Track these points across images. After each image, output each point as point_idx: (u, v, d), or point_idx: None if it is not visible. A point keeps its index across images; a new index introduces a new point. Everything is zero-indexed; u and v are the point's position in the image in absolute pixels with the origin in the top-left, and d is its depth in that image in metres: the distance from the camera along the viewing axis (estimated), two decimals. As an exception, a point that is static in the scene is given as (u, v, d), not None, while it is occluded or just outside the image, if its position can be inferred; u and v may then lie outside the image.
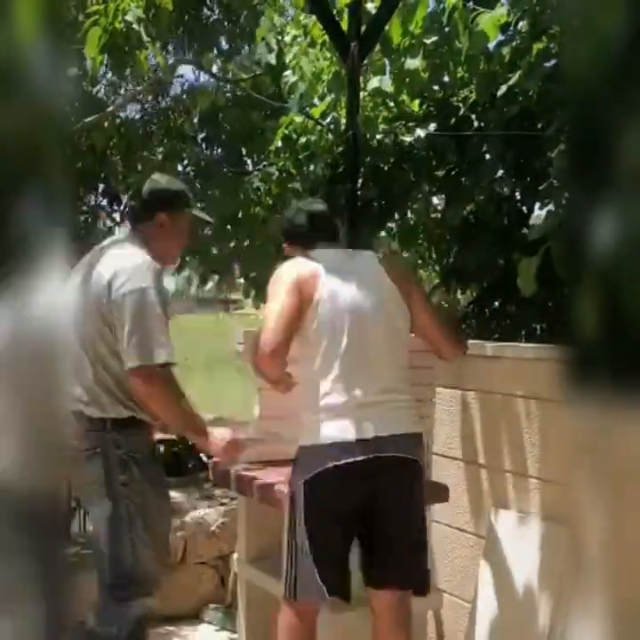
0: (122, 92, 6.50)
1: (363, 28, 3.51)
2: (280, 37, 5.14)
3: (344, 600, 2.37)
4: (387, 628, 2.41)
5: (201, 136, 6.91)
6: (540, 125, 3.45)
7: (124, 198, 6.06)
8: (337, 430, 2.31)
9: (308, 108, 4.65)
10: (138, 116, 6.89)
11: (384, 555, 2.39)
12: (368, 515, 2.36)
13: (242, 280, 5.13)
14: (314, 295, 2.37)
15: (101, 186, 6.33)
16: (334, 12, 3.88)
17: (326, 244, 2.54)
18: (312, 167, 4.60)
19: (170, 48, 6.10)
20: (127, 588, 2.44)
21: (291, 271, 2.43)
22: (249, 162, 6.49)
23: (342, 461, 2.28)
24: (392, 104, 4.21)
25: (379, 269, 2.49)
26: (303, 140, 4.65)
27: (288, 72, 4.74)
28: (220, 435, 2.50)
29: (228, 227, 5.03)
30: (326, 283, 2.39)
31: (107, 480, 2.42)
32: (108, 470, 2.42)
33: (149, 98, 6.87)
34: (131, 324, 2.35)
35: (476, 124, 3.90)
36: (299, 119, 4.69)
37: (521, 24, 3.35)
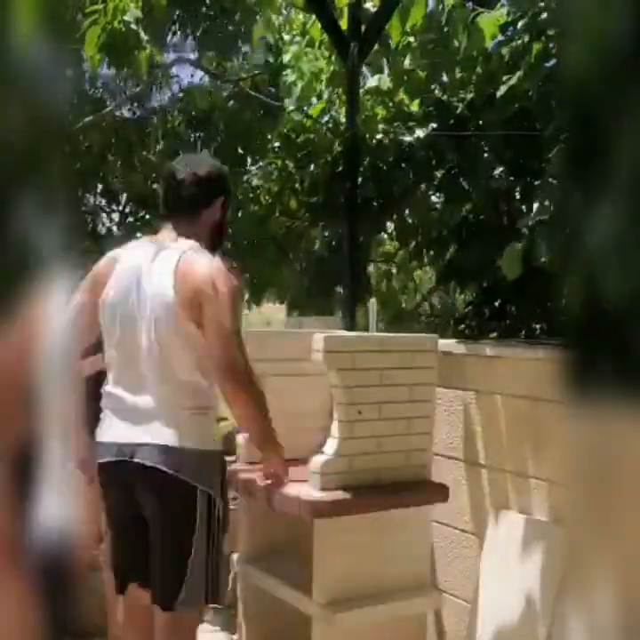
0: (119, 92, 6.48)
1: (362, 28, 3.51)
2: (279, 36, 5.13)
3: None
4: None
5: (197, 134, 6.89)
6: (538, 125, 3.44)
7: (123, 198, 6.05)
8: None
9: (306, 108, 4.65)
10: (135, 116, 6.86)
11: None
12: None
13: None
14: None
15: (100, 186, 6.30)
16: (334, 12, 3.87)
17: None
18: (312, 167, 4.61)
19: (168, 47, 6.10)
20: None
21: None
22: (248, 160, 6.47)
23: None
24: (391, 104, 4.21)
25: None
26: (302, 138, 4.65)
27: (287, 71, 4.73)
28: None
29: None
30: None
31: None
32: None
33: (148, 99, 6.86)
34: None
35: (474, 123, 3.90)
36: (297, 117, 4.69)
37: (520, 23, 3.34)
